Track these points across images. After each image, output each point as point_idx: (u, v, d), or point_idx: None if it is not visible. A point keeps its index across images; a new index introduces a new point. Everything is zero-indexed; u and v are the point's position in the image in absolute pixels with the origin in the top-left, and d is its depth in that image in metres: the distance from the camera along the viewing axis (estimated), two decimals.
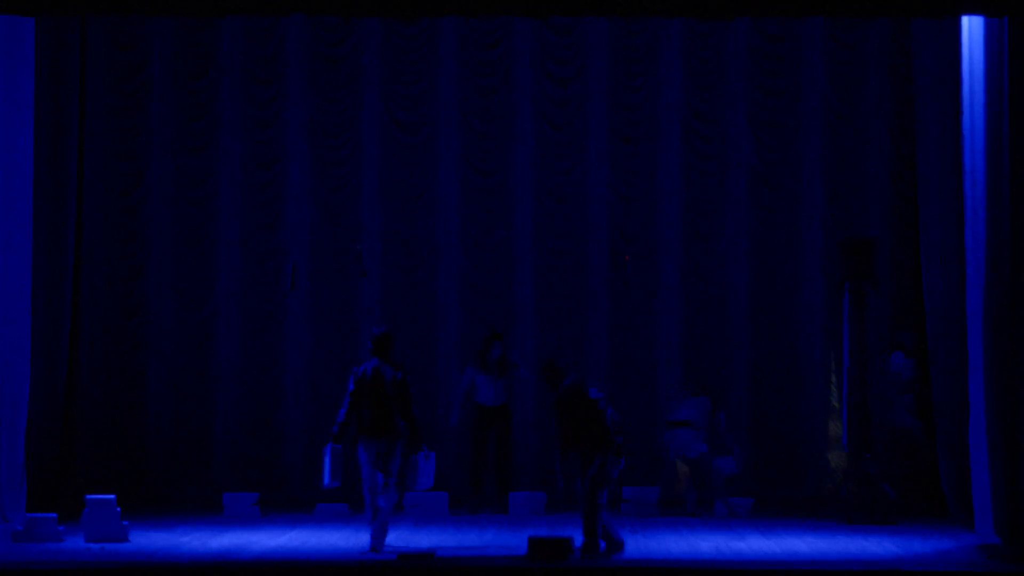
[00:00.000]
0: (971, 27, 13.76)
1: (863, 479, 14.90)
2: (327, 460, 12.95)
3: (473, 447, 16.45)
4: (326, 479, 13.00)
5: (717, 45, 17.67)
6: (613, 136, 17.75)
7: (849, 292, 15.26)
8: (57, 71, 16.18)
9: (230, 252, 17.74)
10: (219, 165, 17.77)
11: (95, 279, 17.37)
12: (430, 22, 17.57)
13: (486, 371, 16.31)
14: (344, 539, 13.79)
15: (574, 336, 17.61)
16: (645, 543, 13.41)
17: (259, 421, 17.62)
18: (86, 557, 12.46)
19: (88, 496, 13.71)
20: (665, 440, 16.20)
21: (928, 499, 16.18)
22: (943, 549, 13.04)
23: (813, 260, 17.49)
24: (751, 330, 17.41)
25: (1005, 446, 13.02)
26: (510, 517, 15.57)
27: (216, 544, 13.43)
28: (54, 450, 16.09)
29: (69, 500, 15.30)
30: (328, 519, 15.48)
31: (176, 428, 17.55)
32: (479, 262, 17.76)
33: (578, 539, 12.62)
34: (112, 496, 13.69)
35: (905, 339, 16.57)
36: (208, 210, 17.78)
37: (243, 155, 17.80)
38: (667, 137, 17.71)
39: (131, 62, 17.69)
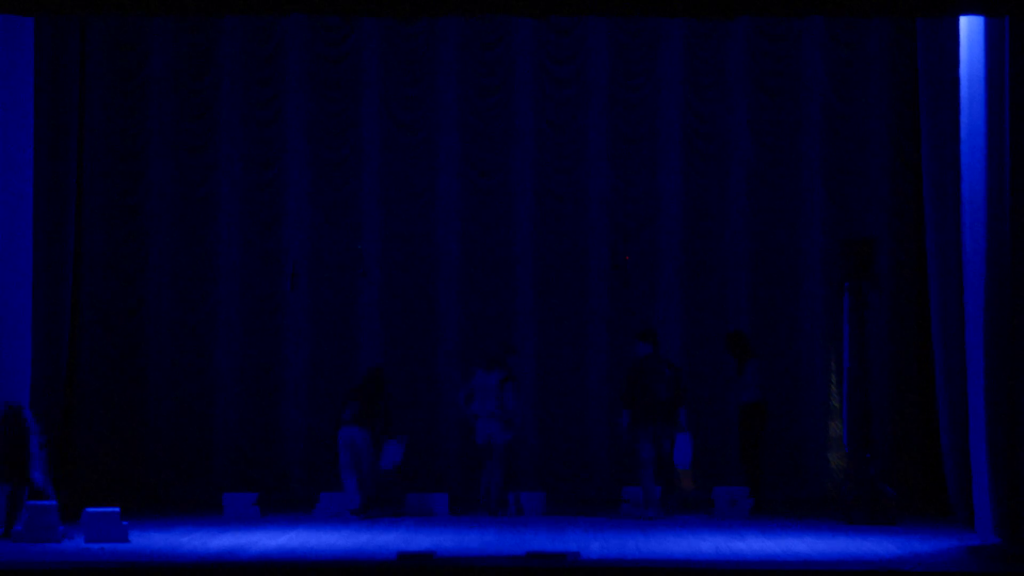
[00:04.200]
0: (971, 27, 13.76)
1: (863, 479, 14.90)
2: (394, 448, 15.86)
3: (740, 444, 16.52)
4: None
5: (717, 45, 17.68)
6: (613, 136, 17.75)
7: (849, 292, 15.25)
8: (57, 71, 16.17)
9: (230, 252, 17.75)
10: (219, 165, 17.78)
11: (95, 279, 17.37)
12: (430, 22, 17.58)
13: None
14: (344, 539, 13.78)
15: (574, 336, 17.62)
16: (645, 542, 13.41)
17: (259, 421, 17.63)
18: (86, 557, 12.45)
19: (88, 509, 13.70)
20: (477, 430, 15.99)
21: (929, 499, 16.20)
22: (943, 549, 13.03)
23: (813, 260, 17.50)
24: (751, 330, 17.39)
25: (1005, 446, 13.02)
26: (510, 517, 15.57)
27: (216, 544, 13.42)
28: (54, 450, 16.06)
29: (69, 500, 15.27)
30: (328, 519, 15.47)
31: (176, 428, 17.56)
32: (479, 262, 17.76)
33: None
34: (116, 509, 13.67)
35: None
36: (208, 210, 17.79)
37: (243, 155, 17.81)
38: (667, 137, 17.72)
39: (131, 62, 17.70)
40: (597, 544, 13.24)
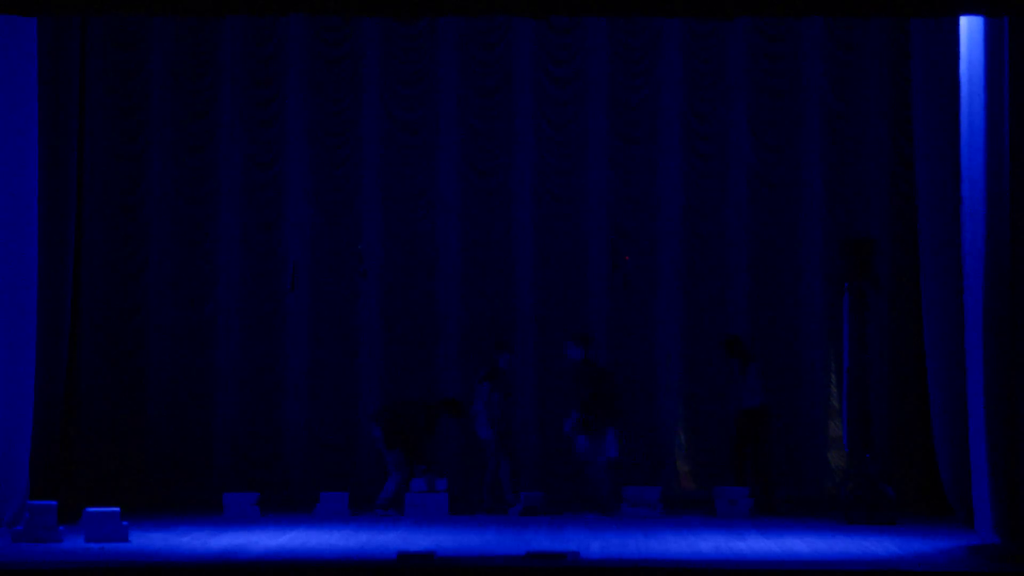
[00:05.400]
0: (971, 27, 13.76)
1: (863, 479, 14.91)
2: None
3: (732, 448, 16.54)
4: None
5: (717, 45, 17.68)
6: (613, 136, 17.75)
7: (849, 292, 15.26)
8: (57, 71, 16.16)
9: (230, 252, 17.75)
10: (219, 165, 17.78)
11: (95, 279, 17.37)
12: (430, 22, 17.58)
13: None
14: (344, 539, 13.79)
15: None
16: (645, 542, 13.42)
17: (259, 421, 17.62)
18: (86, 557, 12.45)
19: (89, 509, 13.70)
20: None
21: (928, 499, 16.20)
22: (943, 549, 13.04)
23: (813, 260, 17.50)
24: (751, 330, 17.41)
25: (1005, 446, 13.02)
26: (510, 517, 15.57)
27: (216, 544, 13.43)
28: (54, 451, 16.08)
29: (69, 500, 15.28)
30: (328, 519, 15.47)
31: (176, 428, 17.55)
32: (479, 262, 17.76)
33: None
34: (116, 509, 13.67)
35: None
36: (208, 210, 17.79)
37: (243, 155, 17.80)
38: (667, 137, 17.72)
39: (131, 62, 17.70)
40: (597, 544, 13.24)
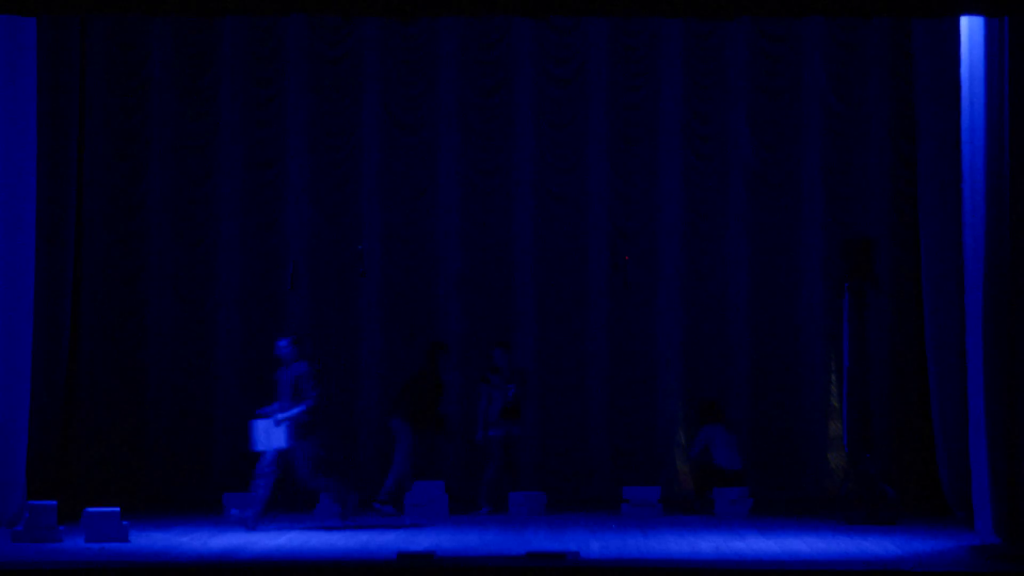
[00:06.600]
0: (971, 27, 13.77)
1: (863, 479, 14.91)
2: None
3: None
4: None
5: (717, 45, 17.69)
6: (613, 136, 17.76)
7: (849, 292, 15.26)
8: (57, 71, 16.19)
9: (230, 252, 17.75)
10: (219, 165, 17.79)
11: (95, 279, 17.38)
12: (430, 22, 17.58)
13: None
14: (344, 539, 13.79)
15: (574, 336, 17.63)
16: (645, 542, 13.42)
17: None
18: (86, 557, 12.45)
19: (89, 509, 13.70)
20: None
21: (928, 499, 16.21)
22: (943, 549, 13.04)
23: (813, 260, 17.51)
24: (751, 330, 17.42)
25: (1005, 446, 13.03)
26: (510, 517, 15.57)
27: (216, 544, 13.43)
28: (54, 450, 16.10)
29: (69, 500, 15.29)
30: (328, 519, 15.47)
31: (176, 428, 17.56)
32: (479, 262, 17.77)
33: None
34: (116, 509, 13.66)
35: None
36: (208, 210, 17.80)
37: (243, 155, 17.81)
38: (667, 137, 17.72)
39: (131, 62, 17.70)
40: (597, 544, 13.25)
